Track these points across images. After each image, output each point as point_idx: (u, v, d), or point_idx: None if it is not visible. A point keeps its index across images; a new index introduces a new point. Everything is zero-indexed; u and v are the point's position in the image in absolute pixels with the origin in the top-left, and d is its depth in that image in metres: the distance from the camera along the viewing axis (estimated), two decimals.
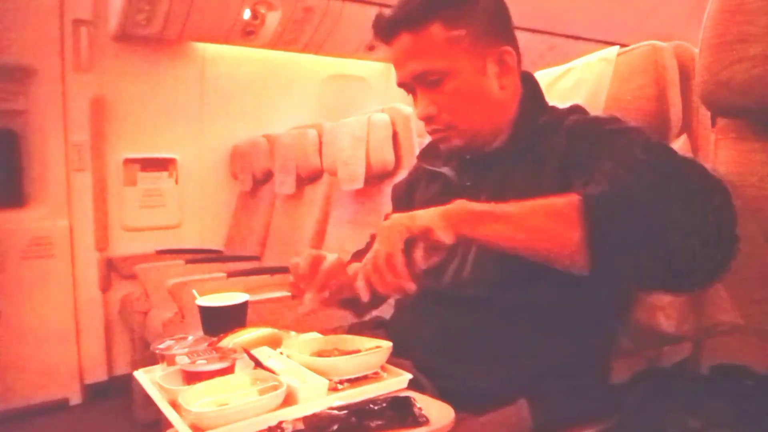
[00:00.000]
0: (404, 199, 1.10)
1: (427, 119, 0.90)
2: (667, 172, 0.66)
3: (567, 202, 0.67)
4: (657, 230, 0.63)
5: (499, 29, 0.89)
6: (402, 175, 1.87)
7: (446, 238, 0.68)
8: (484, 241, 0.70)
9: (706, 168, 0.68)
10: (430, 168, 1.01)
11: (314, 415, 0.66)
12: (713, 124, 0.88)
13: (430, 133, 0.93)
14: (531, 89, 0.94)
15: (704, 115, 0.94)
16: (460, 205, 0.71)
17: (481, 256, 0.87)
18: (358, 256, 1.15)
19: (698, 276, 0.66)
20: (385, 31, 0.88)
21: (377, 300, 0.73)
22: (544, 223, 0.67)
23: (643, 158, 0.70)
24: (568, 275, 0.73)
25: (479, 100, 0.88)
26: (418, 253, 0.70)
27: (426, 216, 0.70)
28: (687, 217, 0.63)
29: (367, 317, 1.16)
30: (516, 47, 0.90)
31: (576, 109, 0.90)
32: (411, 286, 0.69)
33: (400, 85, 0.92)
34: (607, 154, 0.73)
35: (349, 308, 1.11)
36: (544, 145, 0.85)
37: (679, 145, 0.91)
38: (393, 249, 0.68)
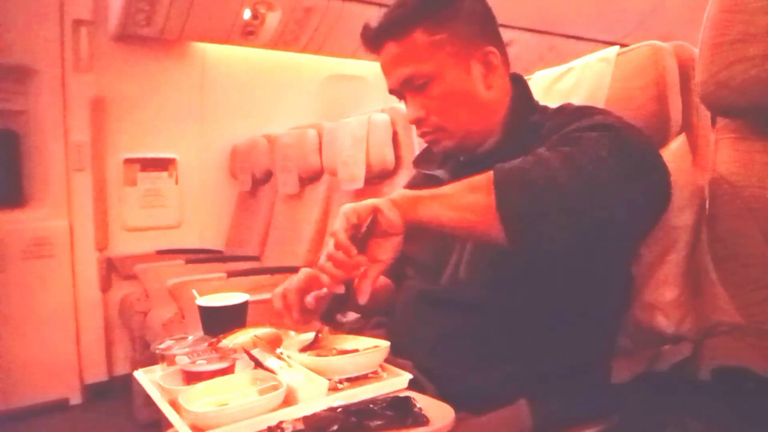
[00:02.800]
0: None
1: (417, 122, 0.92)
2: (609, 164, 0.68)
3: (485, 175, 0.70)
4: (580, 208, 0.66)
5: (482, 31, 0.91)
6: (402, 175, 1.88)
7: (393, 217, 0.70)
8: (427, 222, 0.71)
9: (658, 156, 0.74)
10: (426, 172, 1.03)
11: (314, 415, 0.66)
12: (713, 124, 0.88)
13: (421, 135, 0.95)
14: (520, 90, 0.96)
15: (704, 114, 0.94)
16: (402, 191, 0.75)
17: (475, 258, 0.87)
18: None
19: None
20: (372, 41, 0.91)
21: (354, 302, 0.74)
22: (466, 196, 0.70)
23: (586, 145, 0.70)
24: (565, 275, 0.73)
25: (466, 101, 0.90)
26: (373, 243, 0.72)
27: (372, 200, 0.72)
28: (618, 199, 0.67)
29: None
30: (501, 47, 0.92)
31: (565, 108, 0.91)
32: (362, 260, 0.71)
33: (391, 92, 0.95)
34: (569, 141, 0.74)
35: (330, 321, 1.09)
36: (536, 145, 0.84)
37: (678, 144, 0.90)
38: (338, 227, 0.71)
